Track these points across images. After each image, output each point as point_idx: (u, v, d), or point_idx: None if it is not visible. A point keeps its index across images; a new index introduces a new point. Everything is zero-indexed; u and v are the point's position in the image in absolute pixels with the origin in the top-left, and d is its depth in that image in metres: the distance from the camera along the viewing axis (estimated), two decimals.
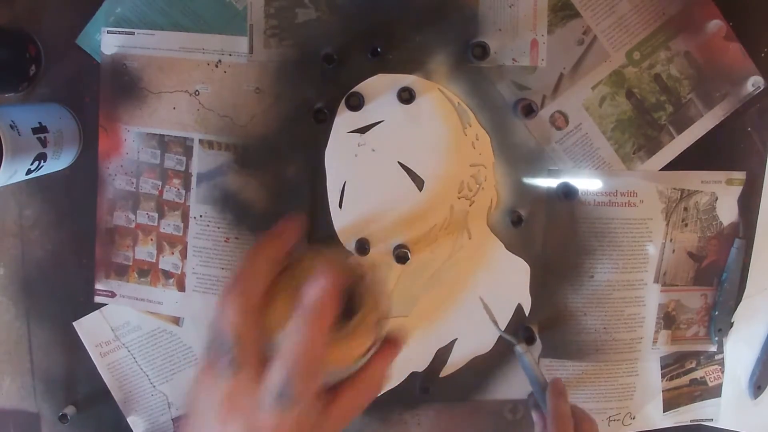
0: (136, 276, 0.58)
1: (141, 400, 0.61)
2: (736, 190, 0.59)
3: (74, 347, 0.59)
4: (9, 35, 0.55)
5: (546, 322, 0.60)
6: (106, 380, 0.60)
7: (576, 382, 0.61)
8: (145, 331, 0.59)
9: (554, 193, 0.57)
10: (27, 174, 0.50)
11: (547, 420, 0.54)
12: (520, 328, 0.59)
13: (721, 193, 0.59)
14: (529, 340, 0.58)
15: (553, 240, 0.58)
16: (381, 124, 0.56)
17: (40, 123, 0.51)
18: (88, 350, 0.59)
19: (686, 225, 0.59)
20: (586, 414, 0.55)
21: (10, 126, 0.47)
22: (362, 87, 0.56)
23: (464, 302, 0.59)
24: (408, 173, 0.57)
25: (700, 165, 0.58)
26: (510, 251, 0.58)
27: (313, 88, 0.56)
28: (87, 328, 0.59)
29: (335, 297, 0.31)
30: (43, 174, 0.53)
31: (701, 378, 0.62)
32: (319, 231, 0.57)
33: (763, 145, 0.58)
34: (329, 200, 0.57)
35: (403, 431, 0.61)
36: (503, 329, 0.59)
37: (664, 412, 0.62)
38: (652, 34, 0.56)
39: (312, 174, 0.57)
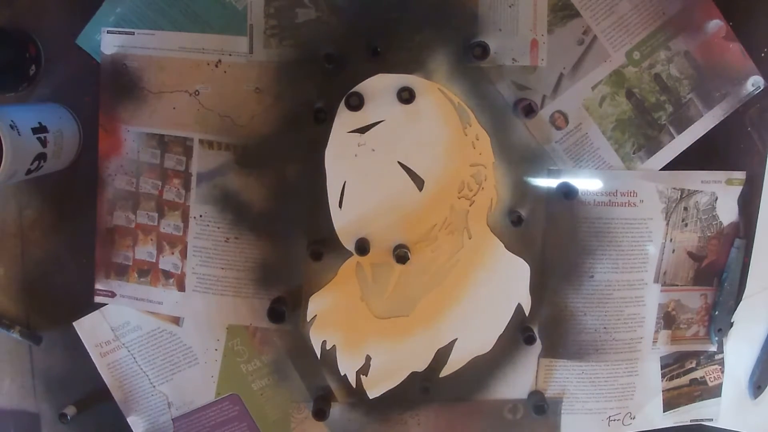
0: (136, 276, 0.58)
1: (141, 400, 0.61)
2: (736, 190, 0.59)
3: (74, 347, 0.59)
4: (9, 35, 0.54)
5: (546, 322, 0.60)
6: (106, 380, 0.60)
7: (576, 382, 0.61)
8: (145, 331, 0.59)
9: (554, 193, 0.57)
10: (27, 174, 0.50)
11: None
12: (519, 328, 0.59)
13: (721, 193, 0.59)
14: (529, 340, 0.58)
15: (553, 240, 0.58)
16: (381, 124, 0.56)
17: (40, 123, 0.51)
18: (88, 350, 0.59)
19: (686, 225, 0.59)
20: None
21: (10, 126, 0.47)
22: (362, 87, 0.56)
23: (464, 302, 0.59)
24: (408, 173, 0.57)
25: (700, 165, 0.58)
26: (510, 251, 0.58)
27: (313, 88, 0.56)
28: (87, 328, 0.59)
29: None
30: (43, 174, 0.53)
31: (701, 378, 0.62)
32: (319, 231, 0.57)
33: (763, 145, 0.58)
34: (329, 200, 0.57)
35: (403, 431, 0.61)
36: (503, 329, 0.59)
37: (664, 412, 0.62)
38: (652, 34, 0.56)
39: (312, 174, 0.57)
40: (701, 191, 0.58)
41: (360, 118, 0.56)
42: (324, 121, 0.55)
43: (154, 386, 0.60)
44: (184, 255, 0.58)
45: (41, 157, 0.51)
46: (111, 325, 0.59)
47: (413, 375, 0.60)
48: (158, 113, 0.56)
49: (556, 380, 0.61)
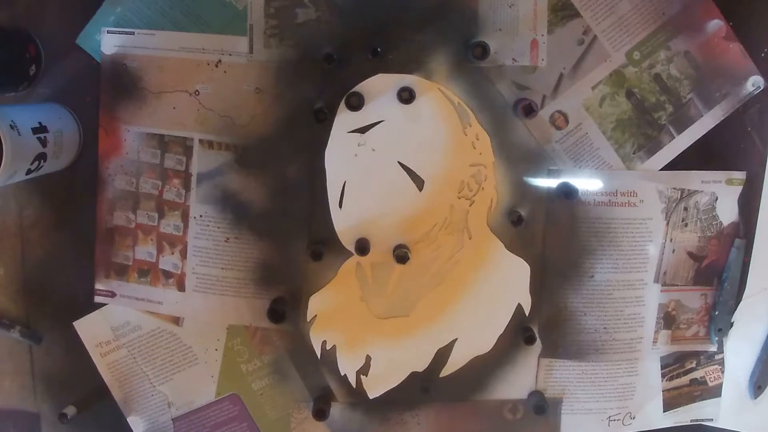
0: (136, 276, 0.58)
1: (141, 400, 0.61)
2: (736, 190, 0.59)
3: (74, 347, 0.59)
4: (9, 35, 0.55)
5: (546, 322, 0.60)
6: (106, 380, 0.60)
7: (576, 382, 0.61)
8: (145, 331, 0.59)
9: (554, 193, 0.57)
10: (27, 174, 0.50)
11: None
12: (520, 328, 0.59)
13: (721, 193, 0.59)
14: (529, 340, 0.58)
15: (553, 240, 0.58)
16: (381, 124, 0.56)
17: (40, 123, 0.51)
18: (88, 350, 0.59)
19: (686, 225, 0.59)
20: None
21: (10, 126, 0.47)
22: (362, 87, 0.56)
23: (464, 302, 0.59)
24: (408, 173, 0.57)
25: (700, 165, 0.58)
26: (510, 251, 0.58)
27: (313, 88, 0.56)
28: (87, 328, 0.59)
29: None
30: (43, 174, 0.53)
31: (701, 378, 0.62)
32: (319, 231, 0.57)
33: (763, 145, 0.58)
34: (329, 200, 0.57)
35: (403, 431, 0.61)
36: (503, 329, 0.59)
37: (664, 412, 0.62)
38: (652, 34, 0.56)
39: (312, 174, 0.57)
40: (701, 191, 0.58)
41: (360, 118, 0.56)
42: (324, 121, 0.55)
43: (154, 386, 0.60)
44: (184, 255, 0.58)
45: (41, 157, 0.51)
46: (111, 325, 0.59)
47: (413, 375, 0.60)
48: (158, 113, 0.56)
49: (556, 380, 0.61)
